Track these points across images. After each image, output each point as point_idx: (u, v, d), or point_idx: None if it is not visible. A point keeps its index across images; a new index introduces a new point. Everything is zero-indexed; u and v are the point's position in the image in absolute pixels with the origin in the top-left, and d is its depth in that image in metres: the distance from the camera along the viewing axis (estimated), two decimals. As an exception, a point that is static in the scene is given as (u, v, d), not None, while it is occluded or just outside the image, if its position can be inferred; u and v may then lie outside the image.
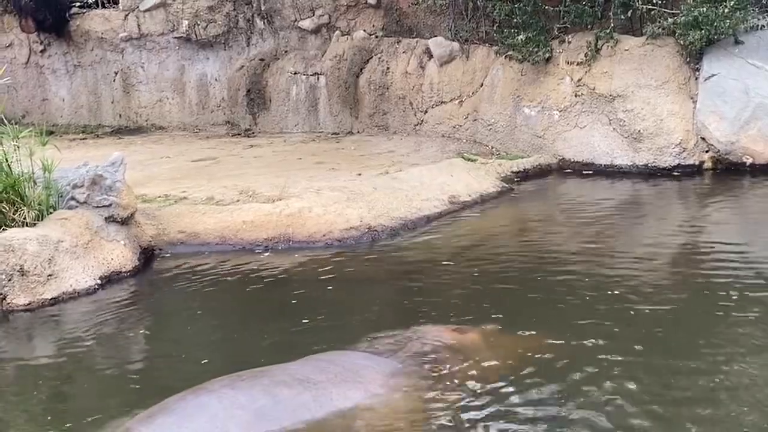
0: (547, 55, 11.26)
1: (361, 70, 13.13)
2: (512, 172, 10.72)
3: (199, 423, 4.49)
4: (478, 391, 5.04)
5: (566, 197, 10.18)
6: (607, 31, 11.00)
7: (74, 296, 7.22)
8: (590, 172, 10.84)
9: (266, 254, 8.23)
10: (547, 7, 11.58)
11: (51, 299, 7.12)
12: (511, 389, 5.05)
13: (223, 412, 4.55)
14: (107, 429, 4.66)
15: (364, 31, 13.31)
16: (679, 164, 10.54)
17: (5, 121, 8.15)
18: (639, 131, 10.60)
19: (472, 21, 12.41)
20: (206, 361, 5.86)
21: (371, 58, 13.09)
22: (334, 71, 13.30)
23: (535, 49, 11.30)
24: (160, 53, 14.84)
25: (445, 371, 5.23)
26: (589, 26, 11.31)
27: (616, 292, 6.59)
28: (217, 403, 4.60)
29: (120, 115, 15.29)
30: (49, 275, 7.16)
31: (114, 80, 15.23)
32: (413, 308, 6.57)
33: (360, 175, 10.15)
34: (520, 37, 11.38)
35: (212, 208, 8.84)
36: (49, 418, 5.25)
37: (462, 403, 4.90)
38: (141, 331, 6.76)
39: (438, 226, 8.93)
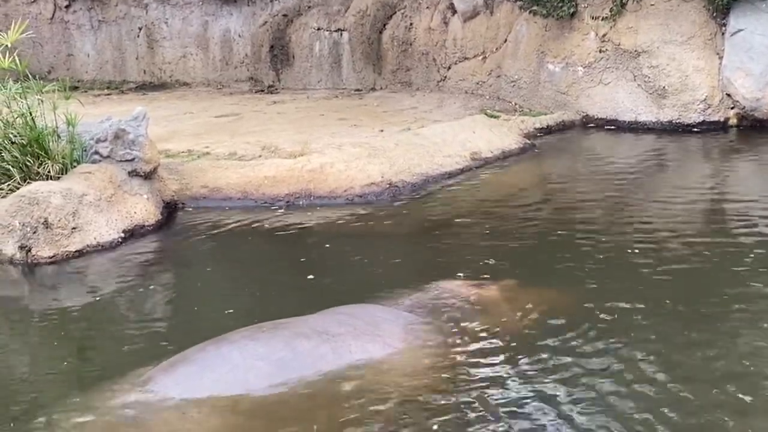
0: (571, 10, 11.15)
1: (384, 26, 13.07)
2: (535, 128, 10.68)
3: (220, 373, 4.56)
4: (496, 345, 5.07)
5: (589, 154, 10.14)
6: (634, -15, 10.87)
7: (98, 249, 7.31)
8: (614, 128, 10.77)
9: (287, 209, 8.28)
10: (572, -38, 11.44)
11: (75, 252, 7.21)
12: (528, 344, 5.08)
13: (244, 362, 4.62)
14: (129, 378, 4.73)
15: (388, -14, 13.22)
16: (703, 121, 10.45)
17: (30, 76, 8.20)
18: (664, 87, 10.51)
19: (497, -24, 12.30)
20: (227, 312, 5.94)
21: (394, 13, 13.01)
22: (357, 27, 13.24)
23: (560, 4, 11.19)
24: (184, 9, 14.83)
25: (463, 325, 5.27)
26: (615, -19, 11.19)
27: (636, 249, 6.58)
28: (237, 354, 4.67)
29: (144, 71, 15.33)
30: (73, 228, 7.24)
31: (138, 36, 15.26)
32: (433, 263, 6.60)
33: (382, 131, 10.15)
34: (545, -9, 11.28)
35: (234, 164, 8.89)
36: (72, 368, 5.36)
37: (479, 358, 4.93)
38: (163, 284, 6.85)
39: (459, 182, 8.94)
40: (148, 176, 8.05)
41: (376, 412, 4.40)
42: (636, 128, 10.67)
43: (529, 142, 10.21)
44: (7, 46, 7.92)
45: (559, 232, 7.18)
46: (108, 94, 14.31)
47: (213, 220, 8.07)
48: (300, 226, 7.78)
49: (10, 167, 7.62)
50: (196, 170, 8.75)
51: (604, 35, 10.95)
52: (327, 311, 5.33)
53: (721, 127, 10.44)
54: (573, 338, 5.12)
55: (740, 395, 4.41)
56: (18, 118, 7.82)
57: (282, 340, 4.79)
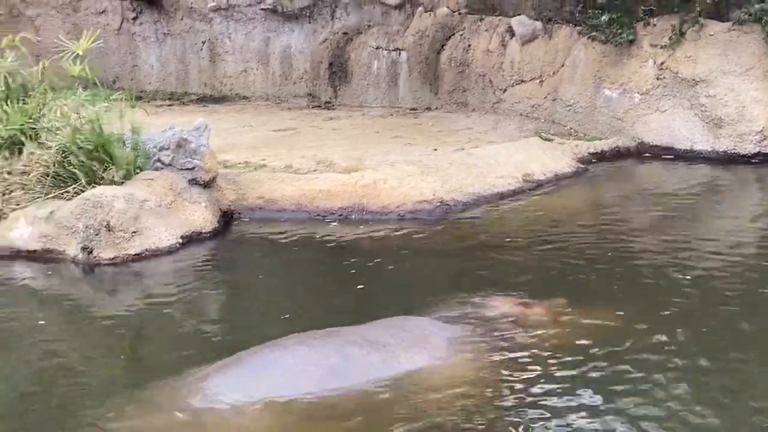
0: (630, 37, 11.18)
1: (443, 46, 13.20)
2: (589, 153, 10.68)
3: (274, 375, 4.73)
4: (542, 362, 5.15)
5: (643, 180, 10.14)
6: (693, 15, 10.85)
7: (156, 253, 7.53)
8: (669, 156, 10.75)
9: (339, 223, 8.42)
10: (632, -11, 11.48)
11: (134, 255, 7.44)
12: (575, 362, 5.14)
13: (297, 366, 4.78)
14: (186, 376, 4.90)
15: (448, 7, 13.35)
16: (759, 152, 10.37)
17: (98, 84, 8.49)
18: (720, 117, 10.48)
19: (556, 0, 12.36)
20: (280, 318, 6.09)
21: (453, 35, 13.14)
22: (416, 47, 13.40)
23: (619, 31, 11.22)
24: (247, 24, 15.12)
25: (509, 341, 5.35)
26: (674, 9, 11.17)
27: (687, 276, 6.57)
28: (291, 358, 4.84)
29: (205, 84, 15.63)
30: (134, 232, 7.48)
31: (201, 49, 15.58)
32: (482, 280, 6.67)
33: (436, 150, 10.27)
34: (604, 17, 11.32)
35: (290, 176, 9.08)
36: (130, 366, 5.56)
37: (525, 374, 5.01)
38: (218, 289, 7.05)
39: (511, 202, 9.00)
40: (207, 185, 8.26)
41: (421, 422, 4.50)
42: (691, 157, 10.63)
43: (582, 166, 10.24)
44: (78, 54, 8.21)
45: (609, 254, 7.21)
46: (170, 105, 14.63)
47: (267, 230, 8.26)
48: (352, 239, 7.92)
49: (76, 171, 7.88)
50: (253, 181, 8.94)
51: (662, 63, 10.96)
52: (377, 322, 5.47)
53: (778, 158, 10.38)
54: (620, 358, 5.16)
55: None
56: (86, 124, 8.08)
57: (334, 347, 4.95)
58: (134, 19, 15.87)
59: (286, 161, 9.70)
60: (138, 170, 8.06)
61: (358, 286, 6.68)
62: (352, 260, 7.36)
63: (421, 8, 13.57)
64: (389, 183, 8.74)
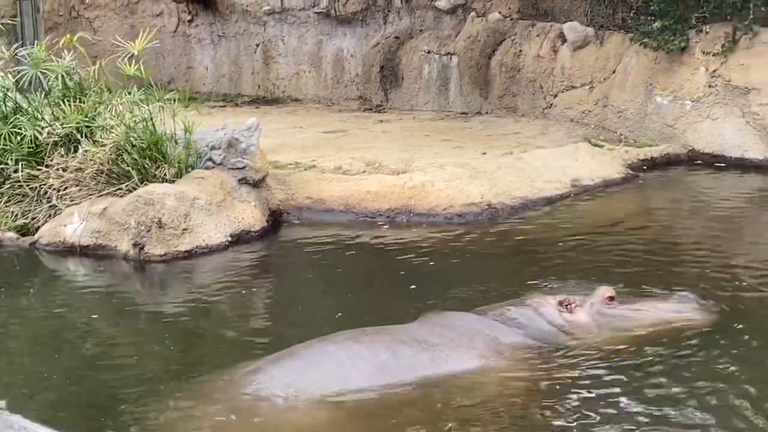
0: (683, 44, 11.10)
1: (494, 51, 13.21)
2: (639, 159, 10.61)
3: (325, 369, 4.82)
4: (589, 364, 5.15)
5: (693, 188, 10.04)
6: (746, 22, 10.74)
7: (206, 251, 7.66)
8: (721, 164, 10.65)
9: (387, 225, 8.49)
10: (686, -4, 11.40)
11: (185, 252, 7.58)
12: (622, 365, 5.14)
13: (348, 361, 4.87)
14: (238, 369, 4.98)
15: (499, 13, 13.37)
16: (812, 160, 10.26)
17: (152, 84, 8.66)
18: (773, 126, 10.38)
19: (609, 7, 12.30)
20: (330, 318, 6.16)
21: (504, 40, 13.15)
22: (467, 52, 13.43)
23: (671, 38, 11.15)
24: (300, 27, 15.29)
25: (556, 342, 5.38)
26: (727, 17, 11.07)
27: (737, 282, 6.51)
28: (342, 353, 4.93)
29: (259, 86, 15.82)
30: (184, 229, 7.61)
31: (255, 52, 15.77)
32: (529, 283, 6.64)
33: (484, 153, 10.28)
34: (656, 24, 11.25)
35: (339, 177, 9.17)
36: (183, 360, 5.67)
37: (572, 375, 5.03)
38: (267, 286, 7.17)
39: (558, 207, 8.99)
40: (256, 185, 8.38)
41: (466, 421, 4.54)
42: (743, 165, 10.51)
43: (632, 172, 10.17)
44: (133, 54, 8.39)
45: (657, 260, 7.18)
46: (223, 106, 14.83)
47: (316, 230, 8.36)
48: (400, 240, 7.98)
49: (129, 169, 8.05)
50: (302, 181, 9.05)
51: (714, 71, 10.86)
52: (425, 320, 5.53)
53: (831, 168, 10.23)
54: (661, 372, 5.11)
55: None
56: (139, 123, 8.26)
57: (384, 345, 5.02)
58: (190, 21, 16.13)
59: (335, 162, 9.79)
60: (189, 169, 8.20)
61: (411, 287, 6.71)
62: (399, 262, 7.41)
63: (473, 13, 13.60)
64: (437, 185, 8.79)
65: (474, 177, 8.96)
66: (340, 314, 6.20)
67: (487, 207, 8.64)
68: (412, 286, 6.74)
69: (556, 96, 12.58)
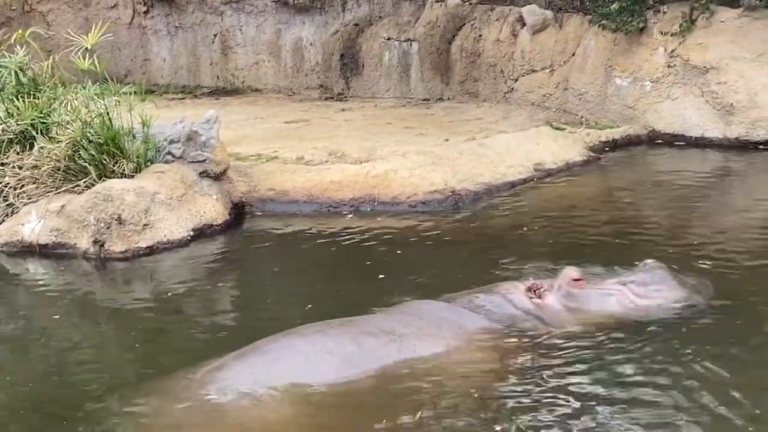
0: (641, 25, 11.13)
1: (454, 37, 13.18)
2: (600, 141, 10.65)
3: (291, 363, 4.76)
4: (555, 349, 5.15)
5: (654, 168, 10.11)
6: (704, 1, 10.80)
7: (168, 246, 7.57)
8: (681, 144, 10.71)
9: (352, 213, 8.44)
10: (643, -23, 11.43)
11: (146, 248, 7.49)
12: (590, 349, 5.14)
13: (314, 355, 4.82)
14: (203, 366, 4.91)
15: (458, -3, 13.35)
16: (771, 138, 10.34)
17: (108, 78, 8.52)
18: (732, 104, 10.43)
19: (567, -11, 12.34)
20: (297, 310, 6.10)
21: (464, 25, 13.12)
22: (427, 38, 13.39)
23: (629, 19, 11.18)
24: (258, 17, 15.15)
25: (523, 328, 5.35)
26: (685, -4, 11.14)
27: (701, 263, 6.52)
28: (308, 347, 4.87)
29: (218, 77, 15.67)
30: (145, 225, 7.52)
31: (213, 42, 15.62)
32: (495, 268, 6.64)
33: (447, 140, 10.27)
34: (614, 6, 11.28)
35: (301, 168, 9.10)
36: (147, 358, 5.58)
37: (540, 361, 5.02)
38: (231, 281, 7.09)
39: (522, 191, 9.00)
40: (217, 177, 8.30)
41: (436, 410, 4.52)
42: (703, 144, 10.58)
43: (594, 155, 10.21)
44: (87, 48, 8.25)
45: (621, 242, 7.20)
46: (182, 99, 14.68)
47: (279, 222, 8.30)
48: (364, 230, 7.93)
49: (87, 165, 7.94)
50: (264, 173, 8.97)
51: (672, 51, 10.91)
52: (392, 309, 5.51)
53: (791, 145, 10.31)
54: (627, 352, 5.12)
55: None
56: (96, 118, 8.13)
57: (350, 337, 4.97)
58: (145, 12, 15.92)
59: (297, 153, 9.72)
60: (148, 163, 8.11)
61: (379, 276, 6.68)
62: (364, 252, 7.37)
63: (431, -2, 13.55)
64: (400, 173, 8.76)
65: (437, 164, 8.94)
66: (309, 306, 6.14)
67: (450, 194, 8.63)
68: (380, 276, 6.70)
69: (516, 80, 12.59)
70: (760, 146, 10.31)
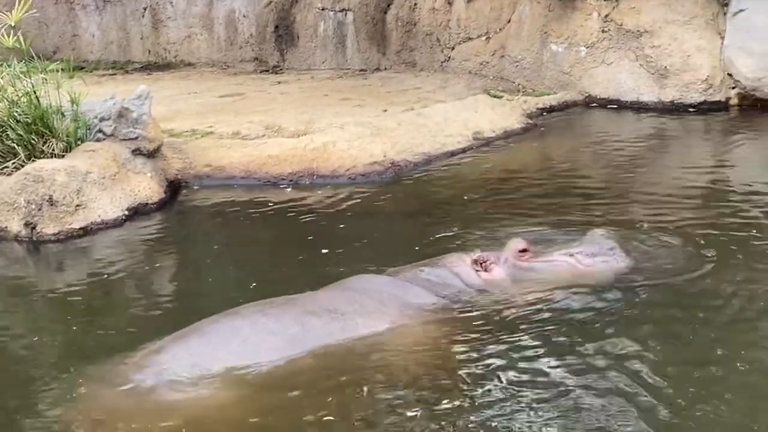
0: (575, -10, 11.17)
1: (389, 6, 13.08)
2: (538, 108, 10.70)
3: (232, 346, 4.68)
4: (500, 322, 5.12)
5: (591, 133, 10.17)
6: (636, -35, 10.88)
7: (102, 227, 7.40)
8: (616, 108, 10.80)
9: (290, 188, 8.35)
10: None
11: (79, 229, 7.31)
12: (533, 320, 5.12)
13: (255, 336, 4.74)
14: (141, 349, 4.81)
15: (392, -34, 13.23)
16: (705, 101, 10.45)
17: (34, 55, 8.26)
18: (666, 67, 10.53)
19: (501, -45, 12.28)
20: (238, 289, 6.01)
21: (399, -7, 13.03)
22: (362, 7, 13.26)
23: (564, -16, 11.20)
24: (188, -12, 14.86)
25: (468, 301, 5.33)
26: (618, -40, 11.17)
27: (643, 224, 6.59)
28: (249, 328, 4.78)
29: (149, 51, 15.36)
30: (78, 205, 7.34)
31: (143, 16, 15.28)
32: (438, 239, 6.62)
33: (385, 111, 10.20)
34: (548, -29, 11.29)
35: (238, 143, 8.97)
36: (83, 342, 5.44)
37: (484, 334, 4.98)
38: (169, 260, 6.95)
39: (461, 161, 8.99)
40: (151, 155, 8.13)
41: (381, 387, 4.48)
42: (638, 108, 10.68)
43: (531, 121, 10.24)
44: (11, 25, 7.98)
45: (563, 209, 7.20)
46: (113, 75, 14.36)
47: (217, 199, 8.16)
48: (303, 204, 7.84)
49: (15, 145, 7.72)
50: (200, 149, 8.82)
51: (606, 15, 10.96)
52: (335, 286, 5.42)
53: (723, 107, 10.42)
54: (579, 314, 5.14)
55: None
56: (23, 97, 7.89)
57: (292, 317, 4.90)
58: (72, -13, 15.51)
59: (233, 127, 9.56)
60: (79, 142, 7.90)
61: (322, 251, 6.60)
62: (304, 227, 7.28)
63: (365, -33, 13.41)
64: (339, 146, 8.68)
65: (376, 135, 8.88)
66: (254, 284, 6.03)
67: (390, 165, 8.59)
68: (323, 250, 6.62)
69: (453, 48, 12.55)
70: (693, 109, 10.44)
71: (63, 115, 7.94)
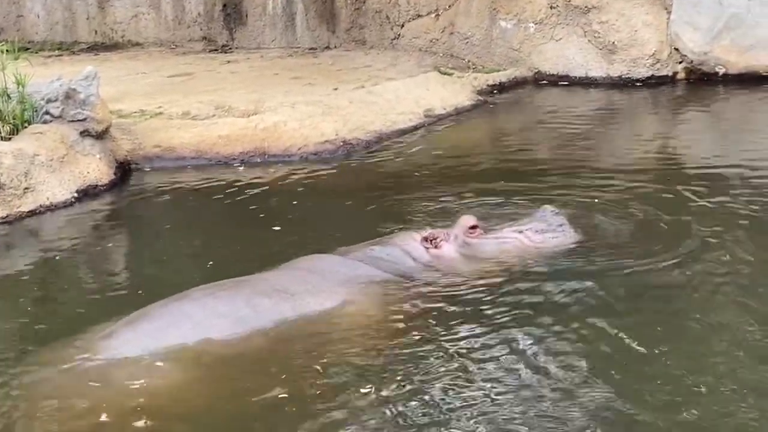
0: (522, -34, 11.21)
1: (338, -17, 13.01)
2: (488, 85, 10.75)
3: (183, 329, 4.66)
4: (452, 299, 5.16)
5: (541, 109, 10.27)
6: (582, -60, 10.94)
7: (51, 209, 7.32)
8: (566, 84, 10.89)
9: (242, 168, 8.32)
10: None
11: (28, 212, 7.22)
12: (485, 296, 5.16)
13: (206, 320, 4.73)
14: (91, 333, 4.78)
15: (340, -57, 13.15)
16: (652, 75, 10.59)
17: (-23, 36, 8.12)
18: (613, 43, 10.64)
19: (449, -68, 12.28)
20: (184, 270, 6.00)
21: (348, -30, 12.96)
22: (311, -15, 13.17)
23: (512, -40, 11.24)
24: (134, -33, 14.63)
25: (420, 278, 5.36)
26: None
27: (596, 200, 6.65)
28: (199, 311, 4.77)
29: (95, 32, 15.10)
30: (26, 188, 7.25)
31: (88, -4, 15.03)
32: (389, 217, 6.63)
33: (336, 89, 10.17)
34: (496, -53, 11.32)
35: (188, 123, 8.91)
36: (32, 327, 5.37)
37: (436, 312, 5.02)
38: (119, 242, 6.91)
39: (412, 138, 9.03)
40: (100, 136, 8.05)
41: (333, 366, 4.49)
42: (587, 83, 10.79)
43: (482, 98, 10.30)
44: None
45: (514, 184, 7.26)
46: (59, 56, 14.11)
47: (167, 180, 8.10)
48: (254, 184, 7.82)
49: (-41, 129, 7.58)
50: (149, 130, 8.74)
51: (555, -9, 11.03)
52: (286, 266, 5.41)
53: (670, 81, 10.58)
54: (526, 295, 5.17)
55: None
56: (-34, 80, 7.75)
57: (243, 299, 4.89)
58: (14, -34, 15.20)
59: (183, 108, 9.47)
60: (26, 124, 7.78)
61: (274, 228, 6.59)
62: (255, 207, 7.27)
63: (313, -56, 13.32)
64: (290, 125, 8.67)
65: (327, 114, 8.89)
66: (195, 265, 6.02)
67: (342, 143, 8.60)
68: (275, 228, 6.62)
69: (403, 26, 12.53)
70: (641, 83, 10.57)
71: (9, 97, 7.81)
